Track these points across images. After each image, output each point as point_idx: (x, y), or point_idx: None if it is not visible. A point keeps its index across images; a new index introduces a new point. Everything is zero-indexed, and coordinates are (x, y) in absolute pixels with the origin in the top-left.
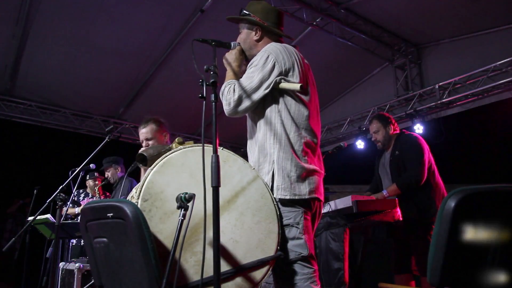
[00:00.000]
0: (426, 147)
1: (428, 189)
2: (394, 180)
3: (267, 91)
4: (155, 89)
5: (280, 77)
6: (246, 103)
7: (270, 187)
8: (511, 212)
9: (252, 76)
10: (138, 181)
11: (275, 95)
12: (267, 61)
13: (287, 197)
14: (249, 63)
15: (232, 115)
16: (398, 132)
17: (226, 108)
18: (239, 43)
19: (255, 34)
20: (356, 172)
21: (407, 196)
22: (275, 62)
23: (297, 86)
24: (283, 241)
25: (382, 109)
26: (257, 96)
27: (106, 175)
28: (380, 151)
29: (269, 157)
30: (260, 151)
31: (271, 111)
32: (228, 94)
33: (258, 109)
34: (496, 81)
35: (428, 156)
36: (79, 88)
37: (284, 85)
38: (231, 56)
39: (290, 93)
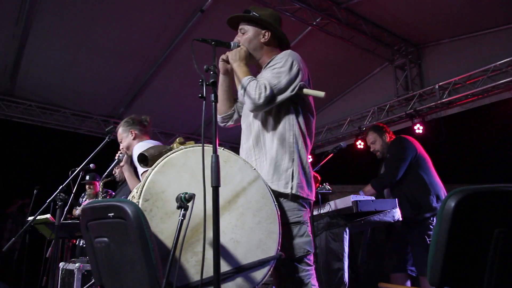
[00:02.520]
0: (412, 147)
1: (422, 187)
2: None
3: (292, 93)
4: (155, 89)
5: (301, 83)
6: (274, 101)
7: (290, 180)
8: (511, 212)
9: (279, 76)
10: None
11: (293, 99)
12: (292, 66)
13: (303, 196)
14: (270, 64)
15: (257, 110)
16: (393, 138)
17: (254, 101)
18: (239, 42)
19: (263, 37)
20: (356, 172)
21: (401, 195)
22: (299, 69)
23: (321, 93)
24: (290, 238)
25: (382, 109)
26: (283, 96)
27: (113, 172)
28: (381, 159)
29: (289, 155)
30: (280, 143)
31: (291, 113)
32: (258, 89)
33: (282, 109)
34: (496, 81)
35: (414, 155)
36: (79, 88)
37: (308, 90)
38: (241, 53)
39: (306, 100)
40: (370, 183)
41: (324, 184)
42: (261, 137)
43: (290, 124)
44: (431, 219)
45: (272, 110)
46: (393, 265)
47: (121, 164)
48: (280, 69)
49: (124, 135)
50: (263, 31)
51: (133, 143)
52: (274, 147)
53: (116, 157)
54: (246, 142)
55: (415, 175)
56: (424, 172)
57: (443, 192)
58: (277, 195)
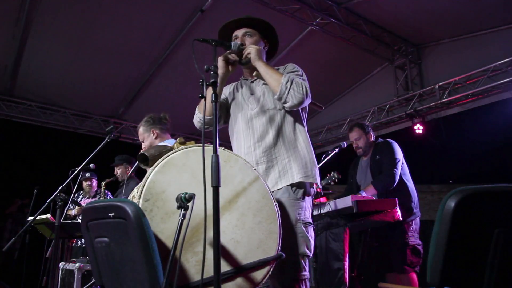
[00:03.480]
0: (401, 152)
1: (406, 193)
2: None
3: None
4: (155, 89)
5: None
6: (307, 101)
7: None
8: (511, 212)
9: (304, 81)
10: None
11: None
12: (305, 77)
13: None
14: (289, 68)
15: (298, 106)
16: (374, 139)
17: (303, 97)
18: (240, 43)
19: (265, 45)
20: None
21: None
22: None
23: (321, 107)
24: (304, 237)
25: (382, 109)
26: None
27: (115, 172)
28: (355, 159)
29: (306, 153)
30: (302, 141)
31: (302, 115)
32: (303, 87)
33: (297, 111)
34: (496, 81)
35: (402, 160)
36: (79, 88)
37: (315, 103)
38: (263, 52)
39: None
40: (371, 183)
41: (333, 172)
42: (280, 137)
43: (302, 125)
44: (411, 222)
45: (292, 111)
46: (384, 266)
47: None
48: (301, 76)
49: (145, 134)
50: (264, 40)
51: (155, 142)
52: (302, 144)
53: None
54: (260, 141)
55: (400, 181)
56: (406, 179)
57: (418, 199)
58: (304, 191)
